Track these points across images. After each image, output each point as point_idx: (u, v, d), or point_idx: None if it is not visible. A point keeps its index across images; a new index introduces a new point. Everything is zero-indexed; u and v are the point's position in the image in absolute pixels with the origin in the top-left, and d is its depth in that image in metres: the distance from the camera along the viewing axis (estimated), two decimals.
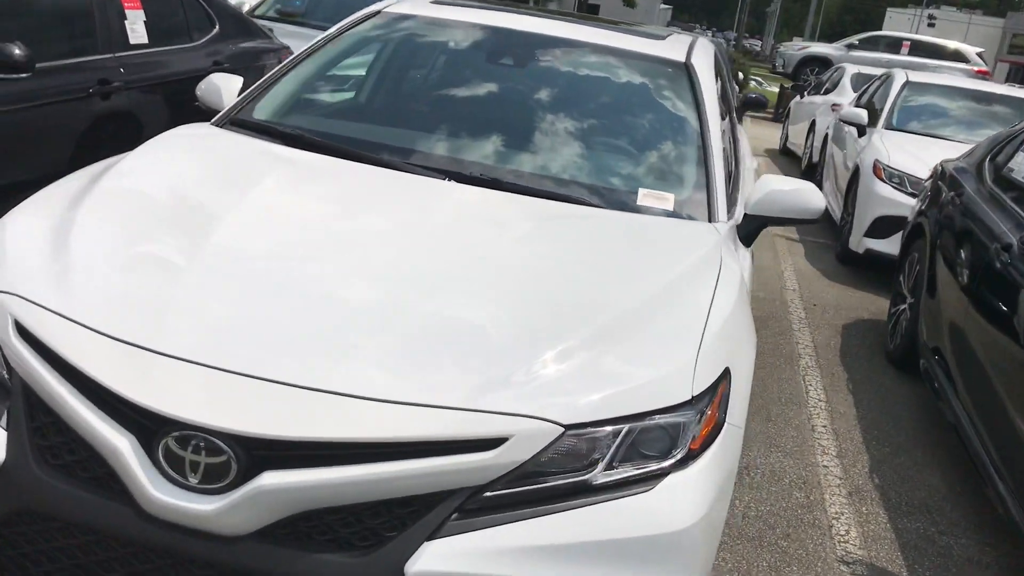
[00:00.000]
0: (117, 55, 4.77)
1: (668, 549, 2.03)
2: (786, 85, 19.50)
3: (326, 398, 1.92)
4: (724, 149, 3.59)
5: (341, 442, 1.88)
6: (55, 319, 2.07)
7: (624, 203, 3.00)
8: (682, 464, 2.10)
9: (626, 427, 2.06)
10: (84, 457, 1.96)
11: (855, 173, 7.70)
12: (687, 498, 2.07)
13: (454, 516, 1.91)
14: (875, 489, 3.95)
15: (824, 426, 4.49)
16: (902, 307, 5.49)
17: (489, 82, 3.49)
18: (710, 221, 3.02)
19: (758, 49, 47.69)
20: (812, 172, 11.21)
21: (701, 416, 2.16)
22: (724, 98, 4.23)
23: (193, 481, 1.88)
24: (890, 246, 6.85)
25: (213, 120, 3.30)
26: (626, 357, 2.18)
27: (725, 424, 2.25)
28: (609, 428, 2.04)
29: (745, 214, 3.24)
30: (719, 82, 4.13)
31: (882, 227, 7.05)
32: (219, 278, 2.21)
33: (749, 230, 3.27)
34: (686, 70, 3.62)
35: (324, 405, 1.91)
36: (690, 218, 3.01)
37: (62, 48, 4.46)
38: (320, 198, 2.74)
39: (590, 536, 1.96)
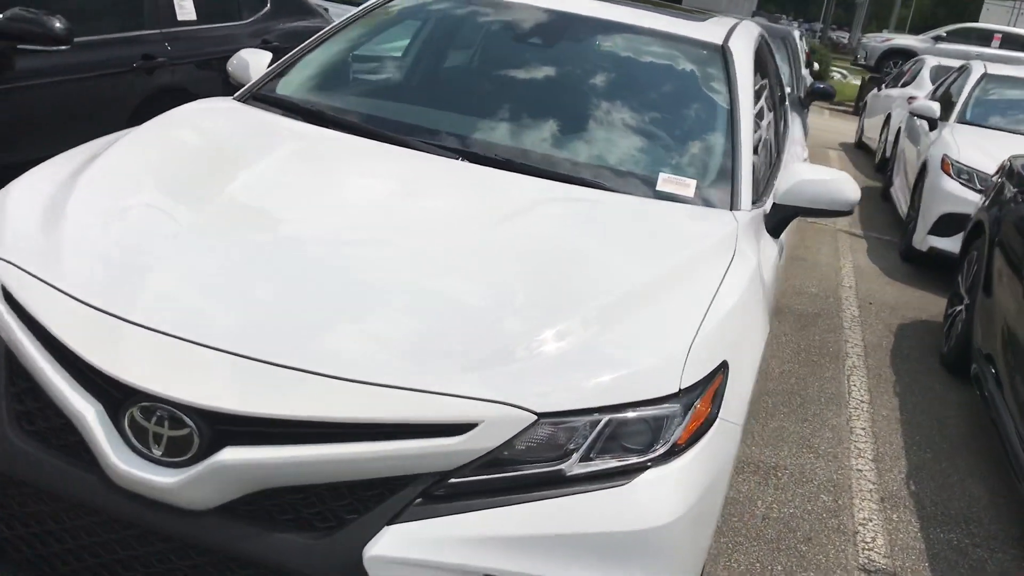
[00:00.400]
0: (164, 31, 4.82)
1: (643, 546, 1.95)
2: (868, 78, 18.95)
3: (292, 375, 1.88)
4: (759, 136, 3.46)
5: (305, 420, 1.84)
6: (40, 286, 2.07)
7: (642, 188, 2.90)
8: (665, 459, 2.01)
9: (605, 418, 1.97)
10: (58, 425, 1.96)
11: (923, 168, 7.41)
12: (667, 494, 1.98)
13: (418, 501, 1.86)
14: (910, 496, 3.78)
15: (863, 428, 4.32)
16: (958, 308, 5.26)
17: (514, 62, 3.41)
18: (732, 209, 2.90)
19: (845, 41, 46.48)
20: (886, 167, 10.86)
21: (689, 410, 2.06)
22: (768, 85, 4.08)
23: (157, 453, 1.87)
24: (955, 245, 6.55)
25: (236, 95, 3.30)
26: (612, 345, 2.10)
27: (718, 419, 2.15)
28: (586, 418, 1.96)
29: (773, 204, 3.11)
30: (762, 68, 3.99)
31: (947, 225, 6.77)
32: (203, 252, 2.19)
33: (777, 220, 3.14)
34: (722, 53, 3.49)
35: (290, 382, 1.87)
36: (710, 205, 2.90)
37: (107, 22, 4.52)
38: (323, 174, 2.71)
39: (559, 529, 1.89)
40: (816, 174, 3.08)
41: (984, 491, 3.92)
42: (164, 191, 2.45)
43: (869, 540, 3.39)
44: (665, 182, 2.93)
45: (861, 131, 14.28)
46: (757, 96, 3.64)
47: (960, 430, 4.48)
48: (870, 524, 3.50)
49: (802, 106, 8.10)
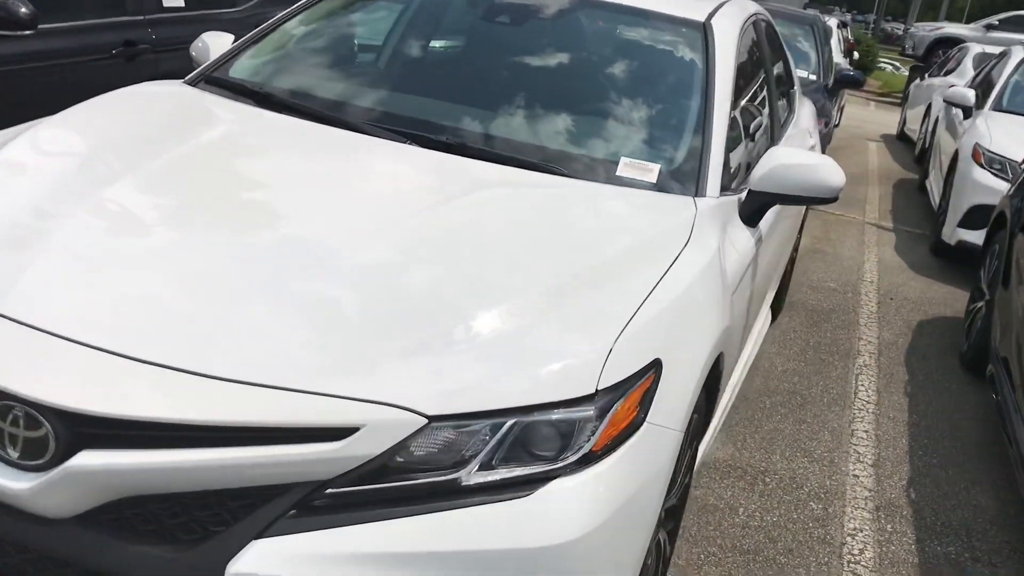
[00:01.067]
0: (147, 17, 4.71)
1: (548, 565, 1.76)
2: (911, 67, 18.38)
3: (157, 372, 1.72)
4: (743, 121, 3.24)
5: (168, 423, 1.68)
6: None
7: (601, 173, 2.70)
8: (577, 467, 1.81)
9: (509, 422, 1.79)
10: None
11: (954, 158, 7.07)
12: (577, 506, 1.79)
13: (291, 513, 1.69)
14: (908, 505, 3.52)
15: (866, 431, 4.06)
16: (979, 304, 4.96)
17: (473, 43, 3.23)
18: (697, 196, 2.69)
19: (900, 32, 45.41)
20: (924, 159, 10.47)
21: (607, 413, 1.86)
22: (762, 67, 3.84)
23: (13, 455, 1.72)
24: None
25: (186, 78, 3.16)
26: (526, 343, 1.91)
27: (645, 424, 1.95)
28: (487, 422, 1.78)
29: (749, 191, 2.89)
30: (755, 49, 3.75)
31: (977, 217, 6.42)
32: (86, 243, 2.04)
33: (753, 208, 2.92)
34: (703, 31, 3.26)
35: (154, 380, 1.71)
36: (673, 192, 2.68)
37: (85, 7, 4.42)
38: (249, 159, 2.55)
39: (452, 545, 1.71)
40: (796, 158, 2.85)
41: (992, 501, 3.65)
42: (64, 178, 2.30)
43: (857, 552, 3.16)
44: (626, 167, 2.73)
45: (903, 122, 13.82)
46: (745, 78, 3.42)
47: (973, 435, 4.20)
48: (860, 535, 3.26)
49: (828, 94, 7.78)
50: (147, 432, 1.68)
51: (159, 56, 4.73)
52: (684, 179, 2.74)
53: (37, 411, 1.69)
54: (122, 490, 1.70)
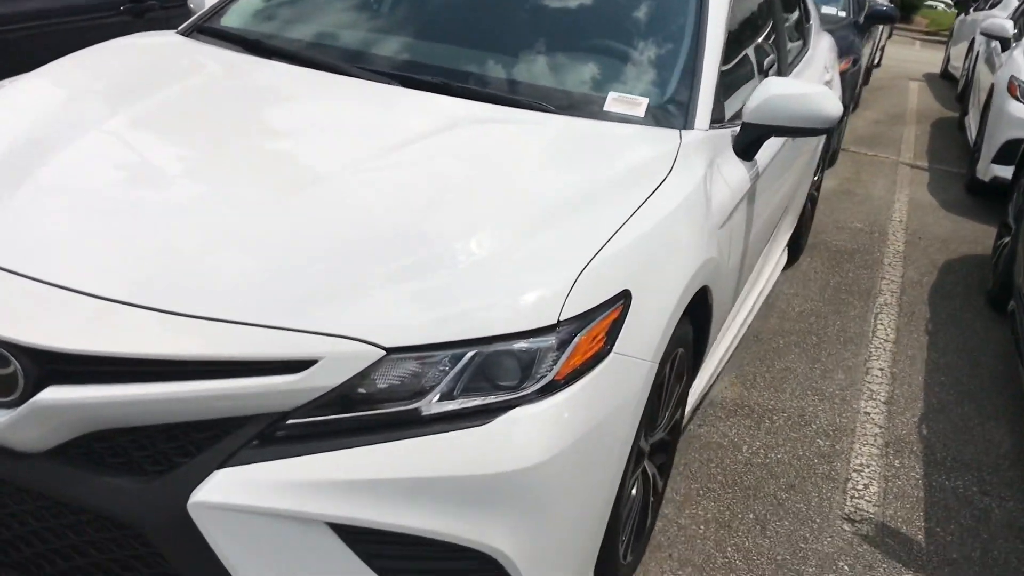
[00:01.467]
0: None
1: (507, 491, 1.77)
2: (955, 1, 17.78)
3: (119, 309, 1.75)
4: (742, 52, 3.18)
5: (127, 357, 1.71)
6: None
7: (586, 108, 2.67)
8: (537, 396, 1.82)
9: (468, 352, 1.79)
10: None
11: (990, 92, 6.86)
12: (535, 433, 1.79)
13: (253, 443, 1.72)
14: (919, 441, 3.48)
15: (881, 369, 4.01)
16: (1006, 240, 4.84)
17: None
18: (685, 128, 2.65)
19: None
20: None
21: (568, 343, 1.86)
22: (771, 1, 3.75)
23: None
24: None
25: (179, 28, 3.18)
26: (488, 274, 1.91)
27: (612, 354, 1.95)
28: (445, 352, 1.79)
29: (743, 123, 2.84)
30: None
31: (1012, 152, 6.25)
32: (58, 185, 2.08)
33: (748, 141, 2.88)
34: None
35: (116, 316, 1.74)
36: (661, 125, 2.65)
37: None
38: (235, 103, 2.56)
39: (412, 472, 1.73)
40: (789, 88, 2.79)
41: (1007, 436, 3.59)
42: (43, 124, 2.34)
43: (861, 488, 3.13)
44: (614, 101, 2.70)
45: (947, 60, 13.44)
46: (745, 10, 3.35)
47: (994, 371, 4.13)
48: (866, 471, 3.24)
49: (859, 31, 7.57)
50: (111, 367, 1.72)
51: (169, 12, 4.76)
52: (672, 112, 2.70)
53: (5, 349, 1.73)
54: (89, 424, 1.74)
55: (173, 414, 1.72)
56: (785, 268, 4.98)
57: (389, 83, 2.70)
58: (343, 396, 1.74)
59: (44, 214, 1.98)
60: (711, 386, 3.63)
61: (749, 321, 3.73)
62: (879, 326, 4.44)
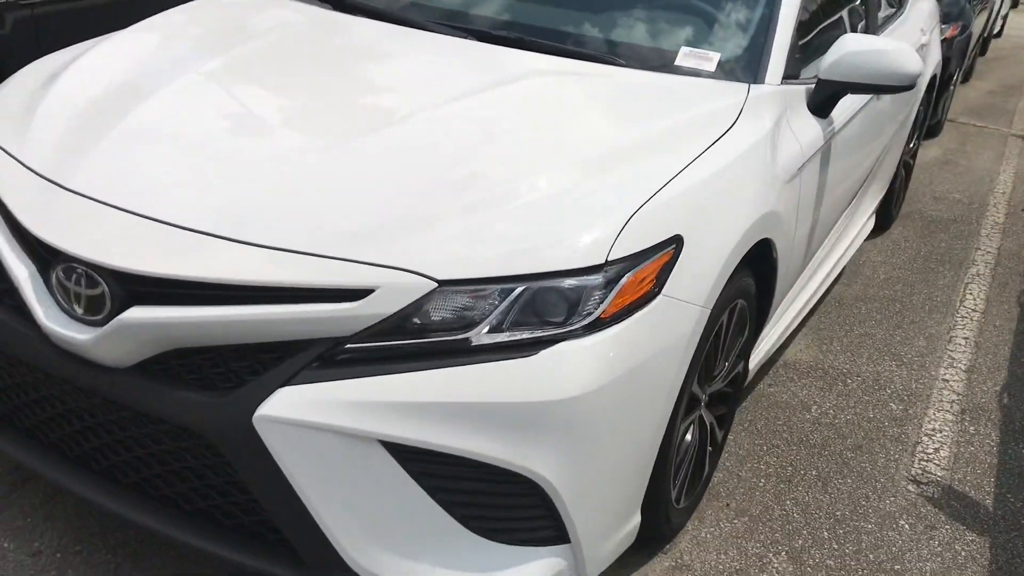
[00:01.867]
0: None
1: (549, 419, 1.85)
2: None
3: (197, 238, 1.90)
4: (822, 9, 3.15)
5: (206, 281, 1.85)
6: (4, 157, 2.20)
7: (654, 61, 2.70)
8: (583, 332, 1.89)
9: (517, 287, 1.88)
10: (10, 286, 2.07)
11: None
12: (578, 367, 1.87)
13: (313, 364, 1.84)
14: (998, 410, 3.41)
15: (966, 338, 3.93)
16: None
17: None
18: (755, 83, 2.66)
19: None
20: None
21: (616, 283, 1.93)
22: None
23: (79, 311, 1.95)
24: None
25: None
26: (538, 212, 1.98)
27: (660, 296, 2.01)
28: (495, 287, 1.87)
29: (817, 79, 2.83)
30: None
31: None
32: (145, 127, 2.23)
33: (823, 98, 2.86)
34: None
35: (194, 245, 1.89)
36: (727, 79, 2.66)
37: None
38: (312, 58, 2.68)
39: (459, 397, 1.82)
40: (867, 44, 2.77)
41: None
42: (143, 76, 2.50)
43: (931, 451, 3.10)
44: (684, 56, 2.72)
45: None
46: None
47: None
48: (937, 435, 3.20)
49: None
50: (188, 291, 1.87)
51: None
52: (743, 67, 2.71)
53: (96, 272, 1.90)
54: (167, 343, 1.89)
55: (243, 335, 1.86)
56: (875, 236, 4.90)
57: (464, 37, 2.79)
58: (398, 324, 1.85)
59: (134, 152, 2.14)
60: (784, 347, 3.63)
61: (827, 284, 3.70)
62: (968, 296, 4.34)
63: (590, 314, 1.91)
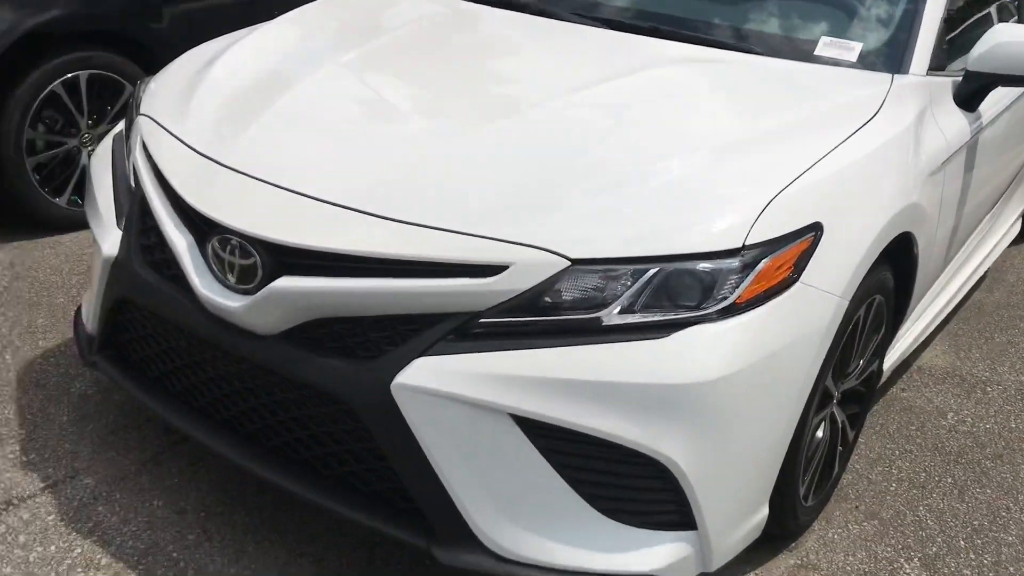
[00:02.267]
0: None
1: (679, 402, 1.85)
2: None
3: (344, 213, 1.98)
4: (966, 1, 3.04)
5: (349, 254, 1.93)
6: (165, 136, 2.34)
7: (795, 51, 2.66)
8: (717, 317, 1.88)
9: (651, 269, 1.89)
10: (168, 256, 2.21)
11: None
12: (712, 351, 1.86)
13: (449, 337, 1.90)
14: None
15: None
16: None
17: None
18: (899, 73, 2.59)
19: None
20: None
21: (753, 268, 1.91)
22: None
23: (231, 280, 2.05)
24: None
25: None
26: (677, 194, 1.99)
27: (798, 284, 1.98)
28: (628, 267, 1.89)
29: (965, 71, 2.74)
30: None
31: None
32: (297, 107, 2.34)
33: (971, 90, 2.77)
34: None
35: (340, 219, 1.97)
36: (869, 69, 2.60)
37: None
38: (445, 48, 2.76)
39: (589, 376, 1.85)
40: (1020, 35, 2.66)
41: None
42: (288, 65, 2.62)
43: None
44: (826, 46, 2.68)
45: None
46: None
47: None
48: None
49: None
50: (333, 262, 1.95)
51: None
52: (886, 57, 2.64)
53: (249, 243, 2.00)
54: (313, 312, 1.98)
55: (383, 307, 1.93)
56: (1020, 242, 4.67)
57: (597, 26, 2.82)
58: (530, 301, 1.88)
59: (284, 134, 2.25)
60: (919, 351, 3.51)
61: (967, 288, 3.56)
62: None
63: (725, 299, 1.90)
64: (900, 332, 2.88)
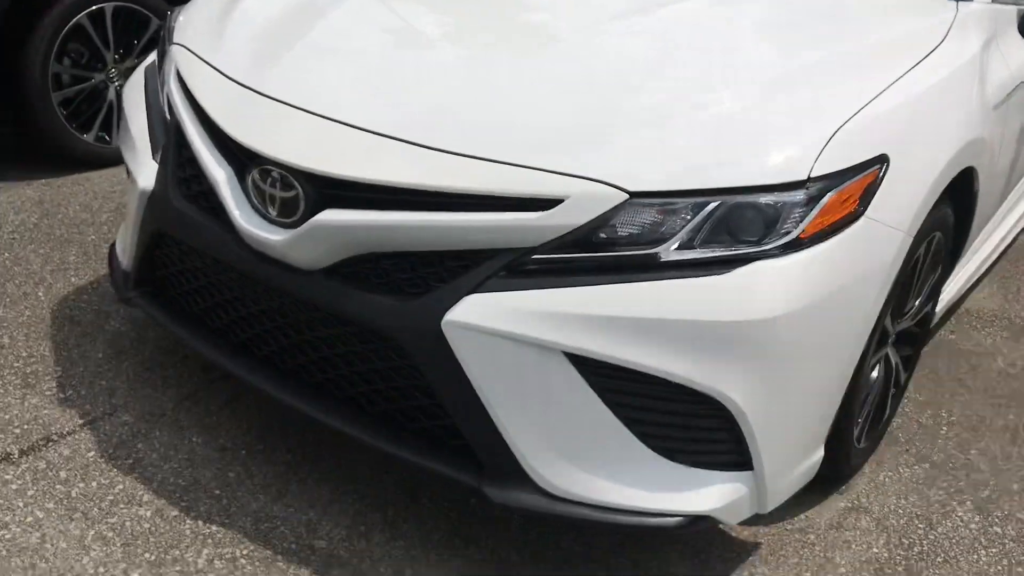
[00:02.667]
0: None
1: (740, 340, 1.78)
2: None
3: (389, 144, 1.90)
4: None
5: (395, 186, 1.86)
6: (202, 66, 2.26)
7: None
8: (780, 252, 1.81)
9: (711, 202, 1.80)
10: (206, 188, 2.14)
11: None
12: (775, 288, 1.79)
13: (501, 274, 1.83)
14: None
15: None
16: None
17: None
18: (964, 0, 2.47)
19: None
20: None
21: (818, 201, 1.83)
22: None
23: (273, 213, 1.99)
24: None
25: None
26: (738, 125, 1.90)
27: (863, 218, 1.90)
28: (688, 201, 1.81)
29: None
30: None
31: None
32: (339, 35, 2.26)
33: None
34: None
35: (386, 150, 1.90)
36: None
37: None
38: None
39: (647, 313, 1.77)
40: None
41: None
42: None
43: None
44: None
45: None
46: None
47: None
48: None
49: None
50: (379, 195, 1.88)
51: None
52: None
53: (291, 174, 1.93)
54: (358, 246, 1.91)
55: (432, 242, 1.86)
56: None
57: None
58: (586, 236, 1.81)
59: (322, 62, 2.17)
60: (968, 292, 3.43)
61: (1018, 230, 3.46)
62: None
63: (788, 233, 1.82)
64: (954, 272, 2.80)
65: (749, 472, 1.94)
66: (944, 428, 2.71)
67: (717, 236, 1.81)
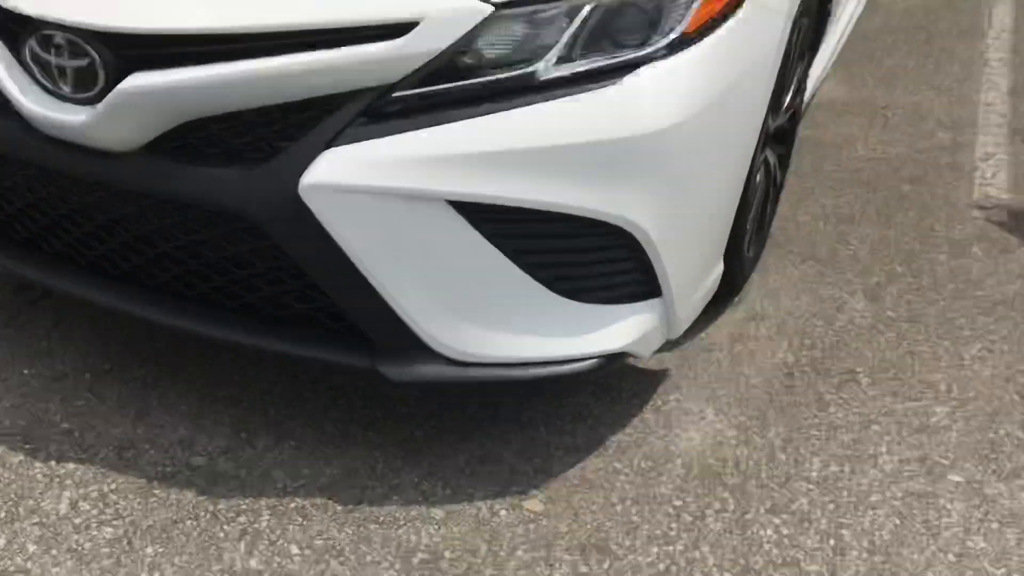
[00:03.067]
0: None
1: (639, 158, 1.61)
2: None
3: None
4: None
5: (213, 34, 1.53)
6: None
7: None
8: (667, 52, 1.61)
9: (586, 6, 1.58)
10: None
11: None
12: (667, 94, 1.60)
13: (360, 121, 1.56)
14: None
15: (1000, 59, 3.69)
16: None
17: None
18: None
19: None
20: None
21: None
22: None
23: (66, 89, 1.63)
24: None
25: None
26: None
27: (746, 2, 1.72)
28: (560, 6, 1.57)
29: None
30: None
31: None
32: None
33: None
34: None
35: None
36: None
37: None
38: None
39: (531, 142, 1.56)
40: None
41: None
42: None
43: (989, 176, 2.92)
44: None
45: None
46: None
47: None
48: (992, 159, 3.01)
49: None
50: (194, 47, 1.55)
51: None
52: None
53: (79, 37, 1.57)
54: (179, 114, 1.59)
55: (268, 95, 1.56)
56: None
57: None
58: (450, 63, 1.55)
59: None
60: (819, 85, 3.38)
61: (856, 16, 3.40)
62: (995, 18, 4.05)
63: (672, 30, 1.62)
64: (815, 61, 2.70)
65: (658, 299, 1.80)
66: (821, 223, 2.67)
67: (597, 43, 1.60)
